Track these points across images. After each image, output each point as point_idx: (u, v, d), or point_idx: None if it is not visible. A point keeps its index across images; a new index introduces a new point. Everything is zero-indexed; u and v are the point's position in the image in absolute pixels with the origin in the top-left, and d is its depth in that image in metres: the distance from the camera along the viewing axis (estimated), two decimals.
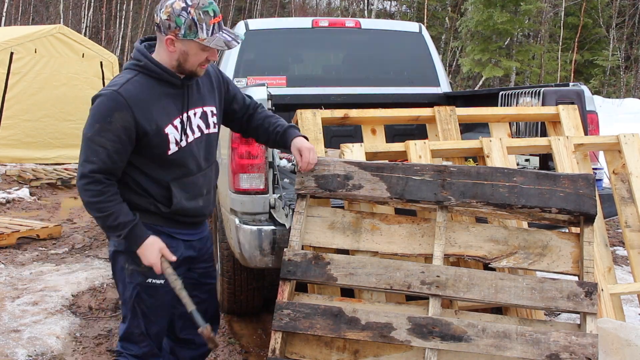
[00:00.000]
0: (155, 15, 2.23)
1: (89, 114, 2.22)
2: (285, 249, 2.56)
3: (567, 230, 2.83)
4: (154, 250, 2.27)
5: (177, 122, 2.28)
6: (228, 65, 4.77)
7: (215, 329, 2.72)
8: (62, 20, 25.26)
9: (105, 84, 13.45)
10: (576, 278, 2.49)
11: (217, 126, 2.47)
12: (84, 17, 26.50)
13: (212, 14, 2.18)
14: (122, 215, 2.22)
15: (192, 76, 2.31)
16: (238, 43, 2.25)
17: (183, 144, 2.30)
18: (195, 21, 2.15)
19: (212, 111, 2.43)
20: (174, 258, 2.31)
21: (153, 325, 2.44)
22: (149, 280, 2.35)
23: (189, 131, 2.32)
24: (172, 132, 2.27)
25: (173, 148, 2.28)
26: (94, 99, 2.22)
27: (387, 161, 2.72)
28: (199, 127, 2.37)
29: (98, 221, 2.27)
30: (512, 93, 3.83)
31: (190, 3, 2.15)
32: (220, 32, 2.21)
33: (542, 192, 2.51)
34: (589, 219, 2.51)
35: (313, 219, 2.67)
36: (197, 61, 2.24)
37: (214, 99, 2.47)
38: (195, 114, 2.35)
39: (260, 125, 2.58)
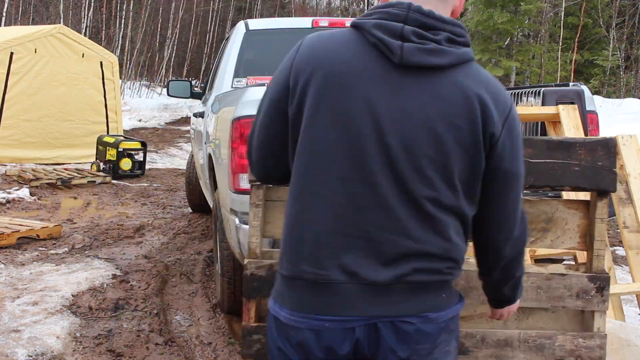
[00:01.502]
0: None
1: None
2: (245, 261, 2.16)
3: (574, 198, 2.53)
4: None
5: None
6: (228, 65, 4.76)
7: None
8: (62, 20, 25.26)
9: (105, 84, 13.28)
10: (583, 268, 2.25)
11: None
12: (84, 17, 26.49)
13: None
14: None
15: None
16: None
17: None
18: None
19: None
20: None
21: None
22: None
23: None
24: None
25: None
26: None
27: None
28: None
29: None
30: (512, 93, 3.83)
31: None
32: None
33: (554, 167, 2.14)
34: (603, 193, 2.17)
35: (274, 203, 2.22)
36: None
37: None
38: None
39: None
